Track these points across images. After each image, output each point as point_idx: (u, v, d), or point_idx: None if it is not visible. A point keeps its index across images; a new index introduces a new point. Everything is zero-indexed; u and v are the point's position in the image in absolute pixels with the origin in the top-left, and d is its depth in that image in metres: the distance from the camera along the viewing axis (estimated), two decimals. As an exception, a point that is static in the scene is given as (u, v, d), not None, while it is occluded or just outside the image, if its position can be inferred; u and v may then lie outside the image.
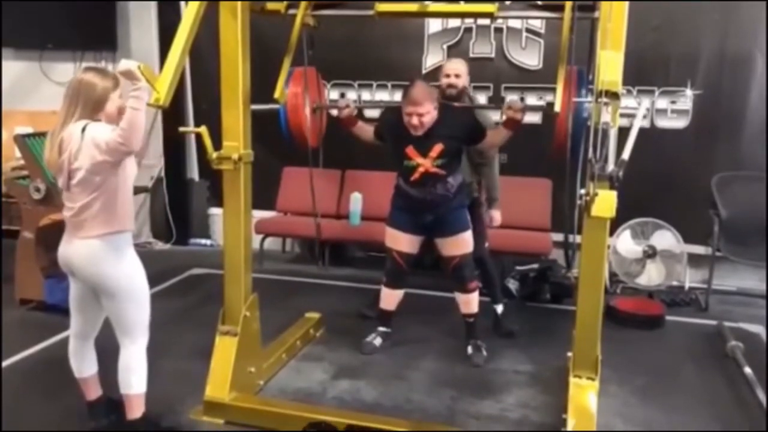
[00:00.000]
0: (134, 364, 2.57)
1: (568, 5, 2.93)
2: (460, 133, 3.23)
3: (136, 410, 2.59)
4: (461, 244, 3.39)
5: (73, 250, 2.47)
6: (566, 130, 2.70)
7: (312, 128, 3.37)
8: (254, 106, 2.95)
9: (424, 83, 3.20)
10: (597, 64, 2.31)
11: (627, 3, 2.40)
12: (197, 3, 2.53)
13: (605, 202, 2.20)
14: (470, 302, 3.51)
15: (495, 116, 3.87)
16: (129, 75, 2.25)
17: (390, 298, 3.60)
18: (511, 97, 4.85)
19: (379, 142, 3.45)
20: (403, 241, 3.44)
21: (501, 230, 4.16)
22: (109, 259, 2.45)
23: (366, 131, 3.46)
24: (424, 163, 3.20)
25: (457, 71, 3.56)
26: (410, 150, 3.21)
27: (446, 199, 3.30)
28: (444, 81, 3.56)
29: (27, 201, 3.99)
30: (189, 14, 2.53)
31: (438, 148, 3.17)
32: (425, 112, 3.08)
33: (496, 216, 3.80)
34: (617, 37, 2.38)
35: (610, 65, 2.22)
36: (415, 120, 3.09)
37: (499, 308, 3.93)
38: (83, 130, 2.36)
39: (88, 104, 2.40)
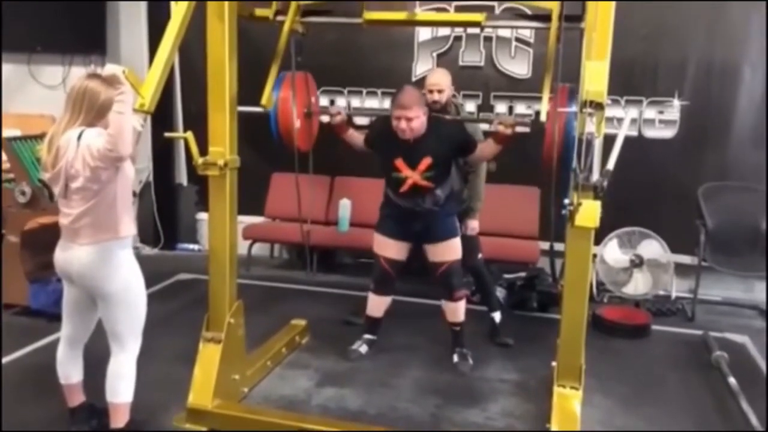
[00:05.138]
0: (123, 372, 2.55)
1: (555, 15, 2.94)
2: (450, 146, 3.23)
3: (120, 419, 2.57)
4: (449, 250, 3.39)
5: (72, 256, 2.46)
6: (553, 141, 2.70)
7: (303, 133, 3.36)
8: (242, 108, 2.93)
9: (414, 88, 3.22)
10: (582, 73, 2.32)
11: (612, 11, 2.41)
12: (183, 6, 2.52)
13: (589, 211, 2.20)
14: (457, 311, 3.51)
15: (485, 126, 3.87)
16: (114, 80, 2.25)
17: (377, 305, 3.59)
18: (502, 111, 4.87)
19: (369, 149, 3.45)
20: (390, 248, 3.44)
21: (489, 238, 4.17)
22: (109, 266, 2.44)
23: (356, 139, 3.47)
24: (413, 176, 3.21)
25: (439, 86, 3.54)
26: (399, 162, 3.22)
27: (434, 210, 3.31)
28: (428, 96, 3.56)
29: (12, 204, 3.95)
30: (175, 18, 2.52)
31: (426, 161, 3.17)
32: (414, 117, 3.08)
33: (472, 224, 3.75)
34: (602, 46, 2.39)
35: (595, 75, 2.23)
36: (403, 124, 3.08)
37: (497, 316, 3.91)
38: (79, 137, 2.35)
39: (90, 112, 2.39)
